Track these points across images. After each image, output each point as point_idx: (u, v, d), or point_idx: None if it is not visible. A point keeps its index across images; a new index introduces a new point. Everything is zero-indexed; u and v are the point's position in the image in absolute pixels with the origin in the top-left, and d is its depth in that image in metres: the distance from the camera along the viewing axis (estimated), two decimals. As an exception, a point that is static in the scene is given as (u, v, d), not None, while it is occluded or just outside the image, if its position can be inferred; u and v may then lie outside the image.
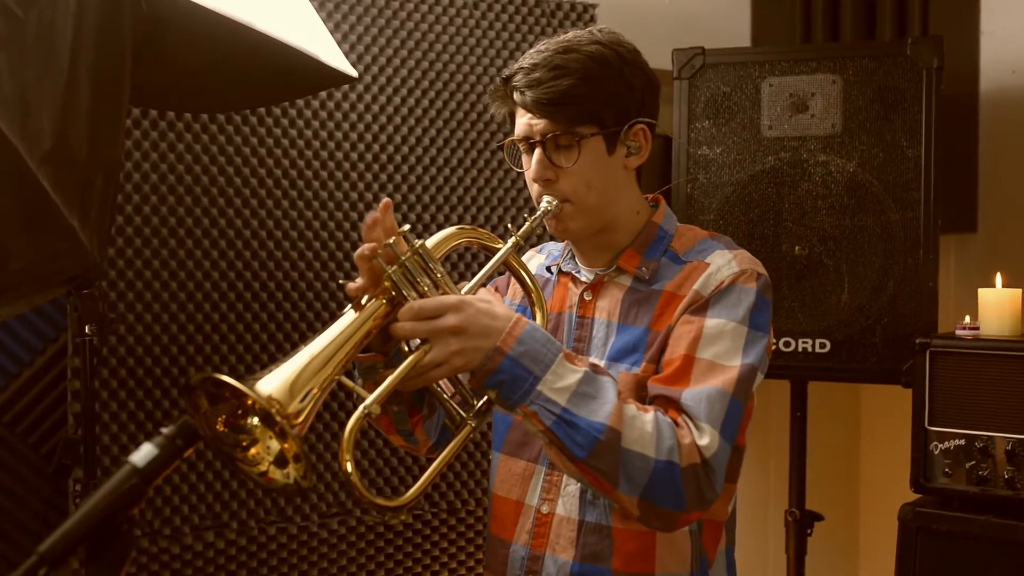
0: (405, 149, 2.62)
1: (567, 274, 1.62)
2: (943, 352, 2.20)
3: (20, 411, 2.40)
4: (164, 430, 1.17)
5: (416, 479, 1.37)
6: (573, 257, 1.63)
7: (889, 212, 2.37)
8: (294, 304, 2.50)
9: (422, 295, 1.36)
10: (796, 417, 2.59)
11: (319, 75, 2.07)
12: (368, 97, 2.57)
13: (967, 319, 2.29)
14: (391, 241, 1.37)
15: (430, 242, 1.43)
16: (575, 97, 1.47)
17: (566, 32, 1.56)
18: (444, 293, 1.37)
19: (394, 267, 1.36)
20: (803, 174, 2.43)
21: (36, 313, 2.39)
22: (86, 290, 1.85)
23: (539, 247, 1.75)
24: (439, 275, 1.38)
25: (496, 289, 1.74)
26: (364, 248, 1.38)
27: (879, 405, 3.13)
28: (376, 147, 2.59)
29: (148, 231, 2.35)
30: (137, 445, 1.11)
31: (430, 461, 1.43)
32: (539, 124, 1.49)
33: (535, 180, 1.52)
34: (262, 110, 2.44)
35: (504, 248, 1.48)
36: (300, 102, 2.48)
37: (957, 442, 2.17)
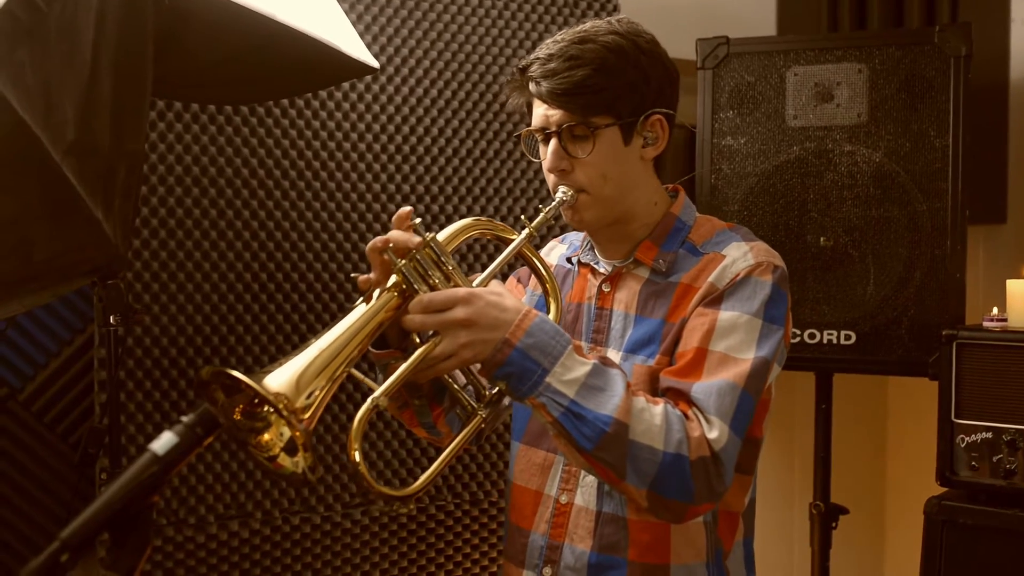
0: (428, 140, 2.62)
1: (586, 265, 1.62)
2: (970, 344, 2.17)
3: (49, 400, 2.43)
4: (184, 418, 1.18)
5: (426, 469, 1.38)
6: (592, 248, 1.63)
7: (916, 202, 2.34)
8: (317, 295, 2.51)
9: (433, 288, 1.37)
10: (821, 409, 2.57)
11: (340, 66, 2.07)
12: (391, 88, 2.58)
13: (995, 311, 2.26)
14: (402, 234, 1.39)
15: (442, 234, 1.44)
16: (590, 87, 1.46)
17: (585, 22, 1.55)
18: (455, 285, 1.38)
19: (405, 260, 1.37)
20: (828, 164, 2.41)
21: (64, 303, 2.41)
22: (111, 281, 1.87)
23: (561, 237, 1.76)
24: (450, 267, 1.39)
25: (519, 280, 1.74)
26: (376, 240, 1.40)
27: (906, 397, 3.10)
28: (399, 138, 2.59)
29: (173, 222, 2.37)
30: (162, 434, 1.13)
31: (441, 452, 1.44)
32: (555, 115, 1.49)
33: (550, 170, 1.53)
34: (284, 102, 2.45)
35: (517, 239, 1.48)
36: (322, 93, 2.49)
37: (984, 435, 2.14)
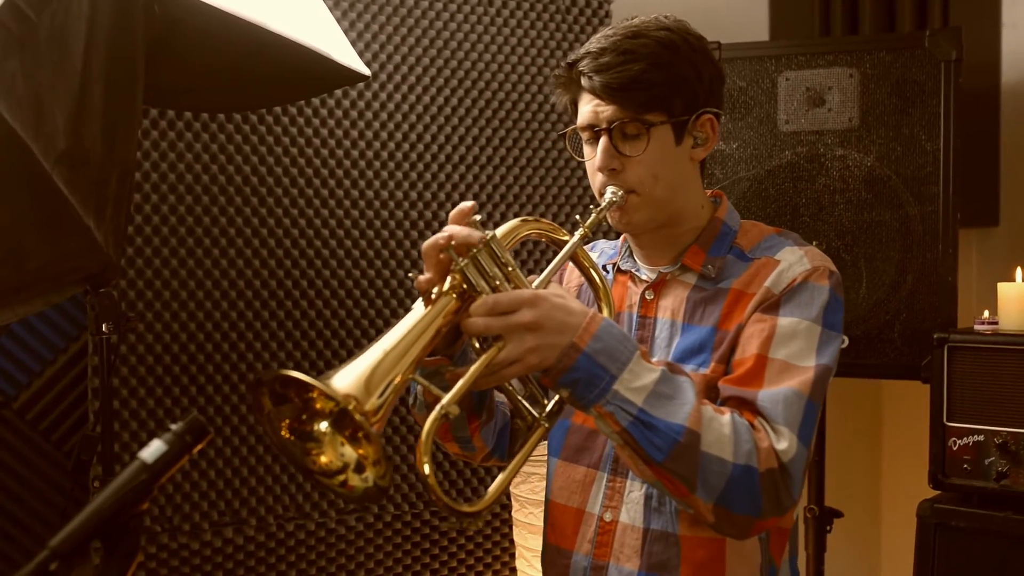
0: (420, 147, 2.63)
1: (626, 272, 1.56)
2: (961, 347, 2.17)
3: (43, 408, 2.43)
4: (173, 426, 1.17)
5: (478, 479, 1.32)
6: (631, 255, 1.56)
7: (907, 206, 2.34)
8: (311, 301, 2.52)
9: (494, 289, 1.29)
10: (815, 413, 2.57)
11: (332, 74, 2.08)
12: (383, 95, 2.58)
13: (986, 314, 2.26)
14: (463, 229, 1.30)
15: (499, 232, 1.36)
16: (645, 82, 1.40)
17: (633, 19, 1.49)
18: (516, 287, 1.31)
19: (465, 260, 1.29)
20: (820, 168, 2.41)
21: (58, 311, 2.42)
22: (103, 289, 1.87)
23: (590, 245, 1.66)
24: (510, 268, 1.31)
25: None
26: (437, 237, 1.31)
27: (899, 401, 3.10)
28: (391, 145, 2.60)
29: (166, 230, 2.38)
30: (157, 442, 1.12)
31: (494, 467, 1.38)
32: (606, 111, 1.43)
33: (600, 169, 1.45)
34: (276, 109, 2.46)
35: (572, 240, 1.40)
36: (315, 101, 2.50)
37: (976, 438, 2.14)
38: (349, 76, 2.11)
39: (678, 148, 1.46)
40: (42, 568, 1.08)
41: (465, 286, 1.29)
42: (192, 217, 2.40)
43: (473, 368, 1.26)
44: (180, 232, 2.39)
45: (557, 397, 1.34)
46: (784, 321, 1.39)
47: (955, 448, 2.16)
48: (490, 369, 1.27)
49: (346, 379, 1.17)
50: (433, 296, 1.30)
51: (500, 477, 1.30)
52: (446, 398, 1.23)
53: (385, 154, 2.59)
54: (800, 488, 1.34)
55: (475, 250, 1.29)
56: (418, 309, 1.30)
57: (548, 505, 1.57)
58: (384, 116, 2.58)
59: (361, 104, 2.56)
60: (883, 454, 3.20)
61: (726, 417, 1.31)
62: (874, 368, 2.40)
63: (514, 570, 2.71)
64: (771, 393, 1.34)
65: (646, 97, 1.42)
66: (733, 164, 2.47)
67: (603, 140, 1.44)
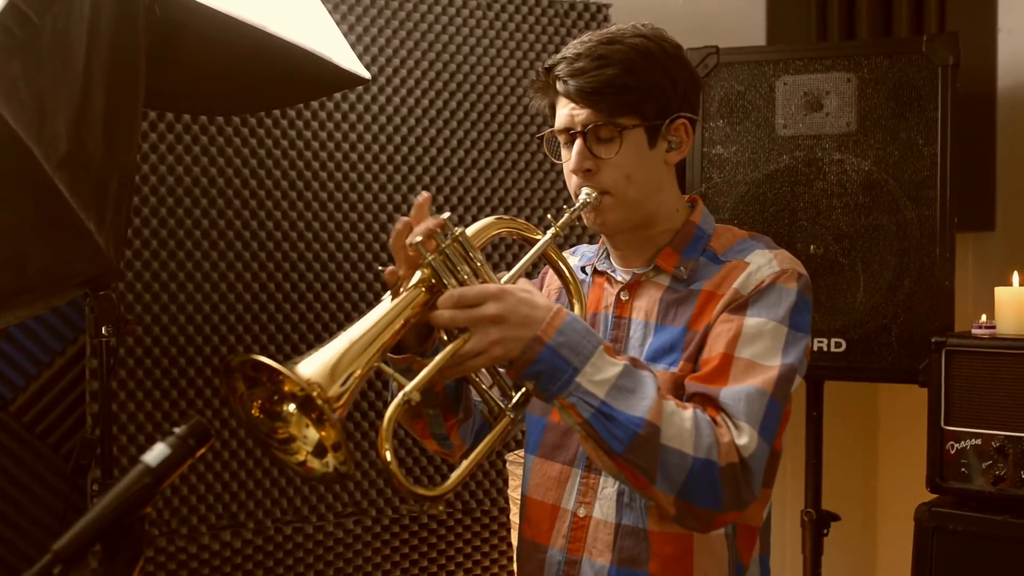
0: (419, 150, 2.63)
1: (602, 274, 1.60)
2: (959, 351, 2.18)
3: (40, 411, 2.43)
4: (177, 430, 1.18)
5: (452, 470, 1.36)
6: (608, 257, 1.60)
7: (905, 210, 2.36)
8: (309, 304, 2.52)
9: (462, 283, 1.34)
10: (812, 417, 2.58)
11: (332, 77, 2.09)
12: (382, 99, 2.59)
13: (983, 318, 2.27)
14: (431, 227, 1.34)
15: (470, 230, 1.40)
16: (618, 87, 1.45)
17: (609, 26, 1.53)
18: (484, 282, 1.35)
19: (434, 254, 1.33)
20: (818, 173, 2.42)
21: (55, 314, 2.42)
22: (103, 292, 1.88)
23: (572, 249, 1.73)
24: (479, 264, 1.36)
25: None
26: (397, 227, 1.37)
27: (896, 404, 3.11)
28: (390, 148, 2.60)
29: (164, 233, 2.38)
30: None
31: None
32: (581, 114, 1.47)
33: (575, 171, 1.50)
34: (276, 112, 2.46)
35: (544, 238, 1.46)
36: (314, 104, 2.50)
37: (973, 442, 2.15)
38: (349, 79, 2.11)
39: (652, 151, 1.50)
40: (46, 572, 1.08)
41: (434, 280, 1.34)
42: (190, 220, 2.40)
43: (438, 357, 1.31)
44: (178, 235, 2.39)
45: (523, 389, 1.37)
46: (751, 321, 1.43)
47: (952, 452, 2.17)
48: (455, 360, 1.32)
49: (312, 366, 1.21)
50: (402, 289, 1.35)
51: (463, 464, 1.35)
52: (409, 385, 1.28)
53: (384, 157, 2.59)
54: (760, 484, 1.38)
55: (444, 245, 1.34)
56: (387, 301, 1.34)
57: (524, 501, 1.60)
58: (383, 119, 2.59)
59: (360, 107, 2.56)
60: (880, 458, 3.21)
61: (688, 412, 1.35)
62: (871, 372, 2.41)
63: (512, 573, 2.72)
64: (734, 390, 1.38)
65: (619, 101, 1.46)
66: (731, 168, 2.48)
67: (578, 143, 1.48)
